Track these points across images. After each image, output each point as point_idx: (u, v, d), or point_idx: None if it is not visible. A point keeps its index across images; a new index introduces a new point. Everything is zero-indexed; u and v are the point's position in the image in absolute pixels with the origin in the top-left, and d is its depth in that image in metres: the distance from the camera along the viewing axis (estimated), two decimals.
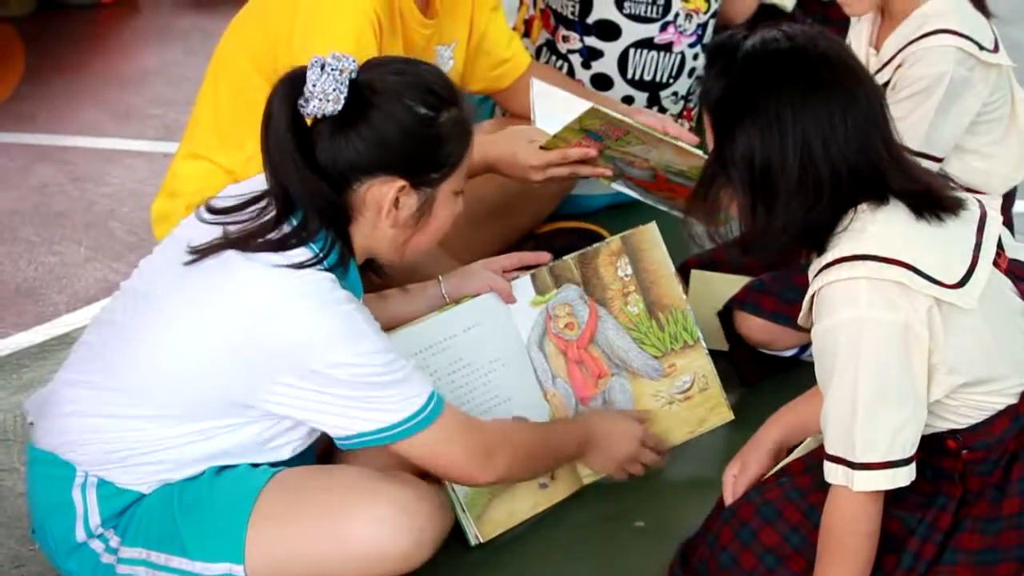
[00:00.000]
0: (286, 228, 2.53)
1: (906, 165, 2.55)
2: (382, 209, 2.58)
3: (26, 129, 4.84)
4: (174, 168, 3.43)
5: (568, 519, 3.02)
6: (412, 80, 2.58)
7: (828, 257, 2.48)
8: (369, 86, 2.53)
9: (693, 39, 4.07)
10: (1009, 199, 3.52)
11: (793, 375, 3.36)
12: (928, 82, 3.26)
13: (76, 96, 5.04)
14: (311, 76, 2.50)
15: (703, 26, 4.07)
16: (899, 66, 3.30)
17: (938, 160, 3.32)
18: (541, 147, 3.26)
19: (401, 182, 2.56)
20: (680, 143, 3.13)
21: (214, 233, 2.56)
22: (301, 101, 2.51)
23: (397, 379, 2.52)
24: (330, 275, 2.52)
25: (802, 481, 2.67)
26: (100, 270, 3.97)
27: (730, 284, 3.41)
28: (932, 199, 2.52)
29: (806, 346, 3.38)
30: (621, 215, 3.47)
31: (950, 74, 3.24)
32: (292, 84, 2.52)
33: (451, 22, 3.50)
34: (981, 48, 3.28)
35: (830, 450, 2.49)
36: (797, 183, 2.47)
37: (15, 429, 3.29)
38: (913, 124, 3.26)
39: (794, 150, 2.46)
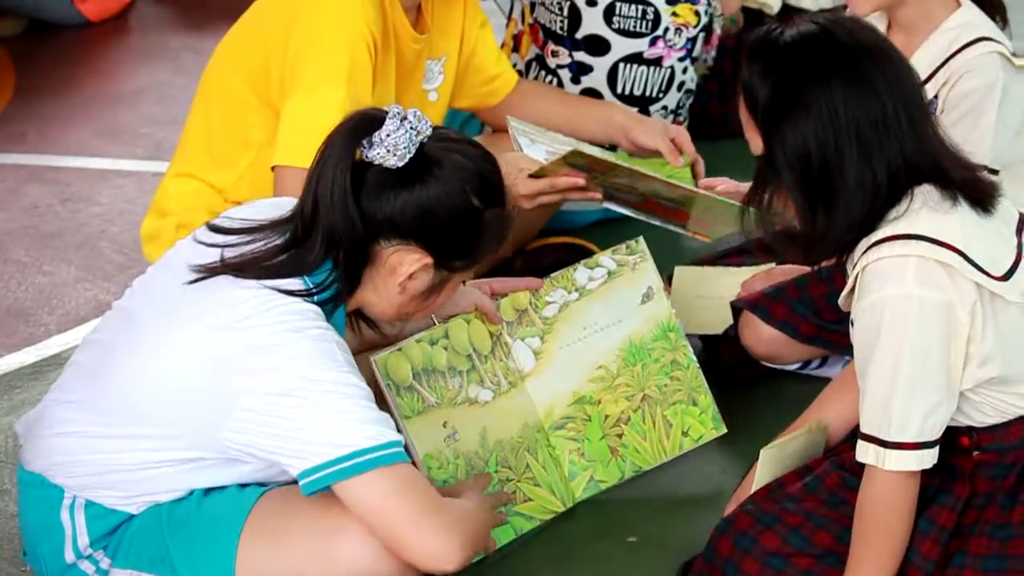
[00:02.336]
0: (284, 256, 2.52)
1: (954, 152, 2.55)
2: (397, 274, 2.58)
3: (16, 149, 4.84)
4: (164, 187, 3.43)
5: (560, 535, 3.01)
6: (474, 167, 2.58)
7: (879, 235, 2.48)
8: (434, 157, 2.54)
9: (683, 53, 4.07)
10: None
11: (784, 388, 3.36)
12: (982, 93, 3.22)
13: (66, 116, 5.04)
14: (388, 125, 2.50)
15: (692, 40, 4.07)
16: (944, 83, 3.26)
17: (995, 172, 3.26)
18: (530, 175, 3.27)
19: (428, 258, 2.57)
20: (666, 178, 3.12)
21: (210, 256, 2.56)
22: (366, 142, 2.51)
23: (362, 414, 2.47)
24: (315, 307, 2.52)
25: (794, 488, 2.68)
26: (91, 290, 3.97)
27: (714, 275, 3.41)
28: (982, 189, 2.53)
29: (808, 362, 3.37)
30: (611, 230, 3.47)
31: (1001, 81, 3.22)
32: (364, 121, 2.52)
33: (441, 37, 3.50)
34: (1013, 54, 3.26)
35: (864, 429, 2.51)
36: (856, 180, 2.47)
37: (6, 450, 3.29)
38: (979, 140, 3.21)
39: (850, 146, 2.46)
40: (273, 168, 3.12)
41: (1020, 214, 2.62)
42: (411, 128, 2.52)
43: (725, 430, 3.18)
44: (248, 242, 2.57)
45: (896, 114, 2.46)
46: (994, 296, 2.47)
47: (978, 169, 2.59)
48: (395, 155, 2.51)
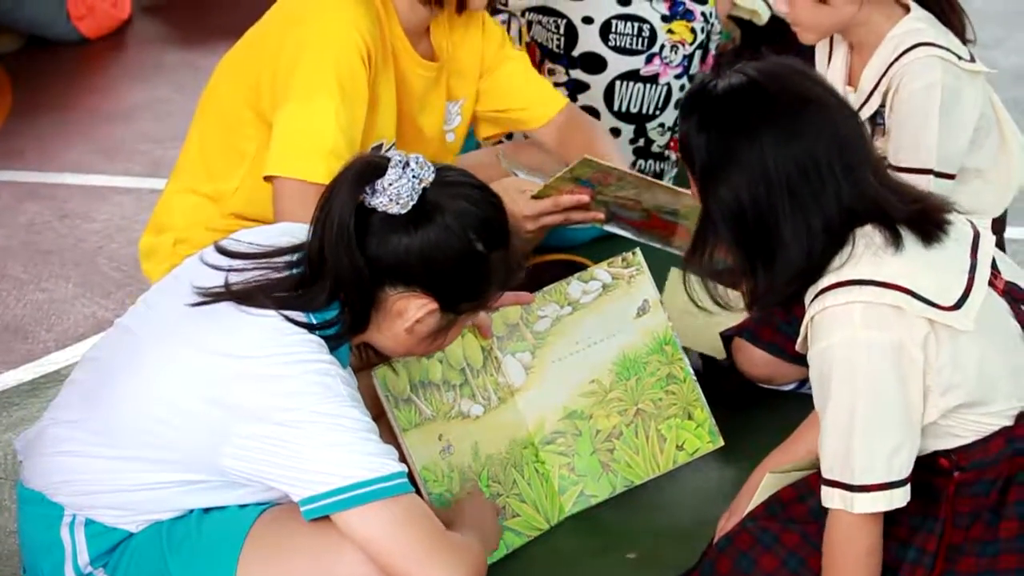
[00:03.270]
0: (292, 293, 2.52)
1: (897, 188, 2.55)
2: (404, 319, 2.58)
3: (14, 166, 4.84)
4: (162, 203, 3.44)
5: (559, 551, 3.01)
6: (477, 211, 2.57)
7: (824, 282, 2.48)
8: (437, 203, 2.53)
9: (679, 70, 4.08)
10: (1000, 223, 3.51)
11: (783, 403, 3.36)
12: (921, 96, 3.23)
13: (64, 133, 5.05)
14: (391, 174, 2.50)
15: (689, 57, 4.08)
16: (886, 91, 3.28)
17: (951, 177, 3.29)
18: (533, 196, 3.28)
19: (433, 304, 2.57)
20: (672, 185, 3.13)
21: (216, 279, 2.56)
22: (368, 190, 2.50)
23: (364, 446, 2.47)
24: (319, 339, 2.52)
25: (798, 511, 2.67)
26: (89, 307, 3.97)
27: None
28: (927, 220, 2.52)
29: (804, 381, 3.38)
30: (609, 247, 3.47)
31: (941, 83, 3.22)
32: (366, 169, 2.51)
33: (459, 80, 3.50)
34: (960, 58, 3.26)
35: (827, 475, 2.50)
36: (791, 233, 2.46)
37: (6, 467, 3.29)
38: (924, 144, 3.24)
39: (782, 199, 2.45)
40: (267, 178, 3.13)
41: (975, 232, 2.61)
42: (414, 176, 2.51)
43: (722, 443, 3.18)
44: (254, 268, 2.57)
45: (829, 163, 2.45)
46: (947, 327, 2.46)
47: (924, 200, 2.57)
48: (398, 203, 2.50)
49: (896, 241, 2.47)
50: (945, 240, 2.52)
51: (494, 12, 3.95)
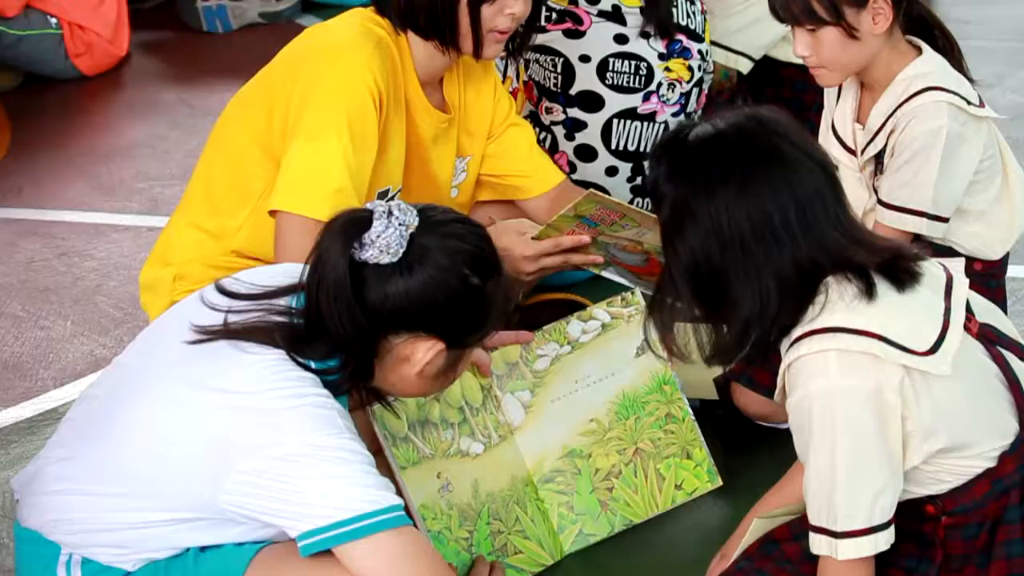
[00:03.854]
0: (289, 342, 2.52)
1: (866, 239, 2.54)
2: (413, 363, 2.59)
3: (12, 204, 4.84)
4: (166, 235, 3.45)
5: None
6: (467, 247, 2.57)
7: (798, 332, 2.49)
8: (427, 245, 2.53)
9: (676, 108, 4.08)
10: (1001, 266, 3.52)
11: (783, 441, 3.36)
12: (926, 139, 3.23)
13: (62, 170, 5.06)
14: (377, 226, 2.50)
15: (686, 95, 4.08)
16: (892, 131, 3.28)
17: (944, 220, 3.30)
18: (534, 237, 3.29)
19: (441, 344, 2.58)
20: None
21: (215, 318, 2.56)
22: (357, 245, 2.50)
23: (363, 479, 2.47)
24: (313, 376, 2.52)
25: (792, 550, 2.68)
26: (87, 345, 3.97)
27: None
28: (898, 267, 2.52)
29: None
30: (608, 285, 3.48)
31: (946, 128, 3.22)
32: (351, 225, 2.52)
33: (468, 137, 3.53)
34: (969, 103, 3.27)
35: (813, 521, 2.51)
36: (743, 290, 2.46)
37: (4, 506, 3.29)
38: (920, 186, 3.24)
39: (735, 257, 2.45)
40: (272, 212, 3.13)
41: (948, 276, 2.62)
42: (399, 224, 2.51)
43: (720, 483, 3.19)
44: (254, 308, 2.57)
45: (785, 220, 2.44)
46: (924, 373, 2.46)
47: (894, 250, 2.56)
48: (388, 253, 2.51)
49: (869, 289, 2.47)
50: (917, 287, 2.53)
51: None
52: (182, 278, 3.30)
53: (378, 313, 2.53)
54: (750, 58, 4.48)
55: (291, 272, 2.67)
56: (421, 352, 2.58)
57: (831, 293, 2.47)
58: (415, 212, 2.55)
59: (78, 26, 5.73)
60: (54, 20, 5.69)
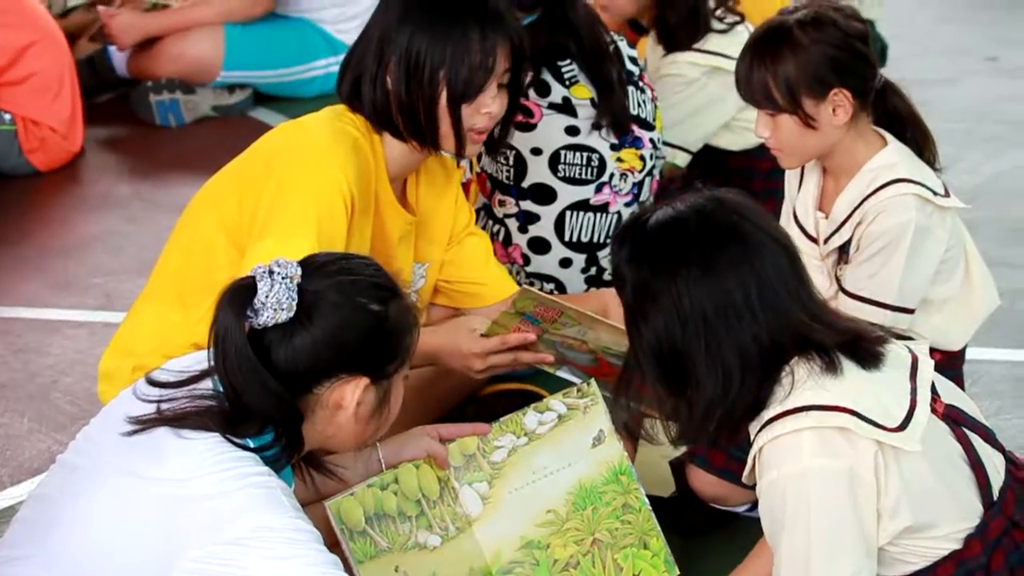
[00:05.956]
0: (221, 424, 2.52)
1: (829, 319, 2.57)
2: (344, 408, 2.60)
3: None
4: (128, 323, 3.45)
5: None
6: (358, 279, 2.60)
7: (769, 413, 2.50)
8: (318, 290, 2.55)
9: (629, 198, 4.10)
10: (960, 357, 3.54)
11: (738, 529, 3.37)
12: (894, 233, 3.26)
13: (17, 267, 5.05)
14: (262, 287, 2.51)
15: (639, 184, 4.10)
16: (859, 223, 3.31)
17: (910, 311, 3.33)
18: (481, 335, 3.31)
19: (364, 380, 2.59)
20: (612, 322, 3.16)
21: (148, 409, 2.56)
22: (250, 312, 2.52)
23: (314, 557, 2.46)
24: (253, 455, 2.52)
25: None
26: (44, 441, 3.96)
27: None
28: (862, 347, 2.55)
29: (757, 503, 3.39)
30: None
31: (913, 222, 3.25)
32: (238, 295, 2.53)
33: (428, 244, 3.56)
34: (935, 193, 3.30)
35: None
36: (706, 370, 2.48)
37: None
38: (885, 279, 3.28)
39: (697, 338, 2.48)
40: None
41: (914, 357, 2.64)
42: (283, 278, 2.53)
43: (677, 572, 3.19)
44: (184, 396, 2.57)
45: (747, 299, 2.48)
46: (894, 449, 2.48)
47: (857, 331, 2.59)
48: (283, 309, 2.52)
49: (834, 367, 2.50)
50: (882, 366, 2.55)
51: None
52: (141, 369, 3.27)
53: (294, 372, 2.54)
54: (687, 151, 4.54)
55: None
56: (350, 394, 2.59)
57: (798, 372, 2.50)
58: (295, 264, 2.56)
59: (32, 121, 5.73)
60: (8, 116, 5.69)
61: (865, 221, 3.30)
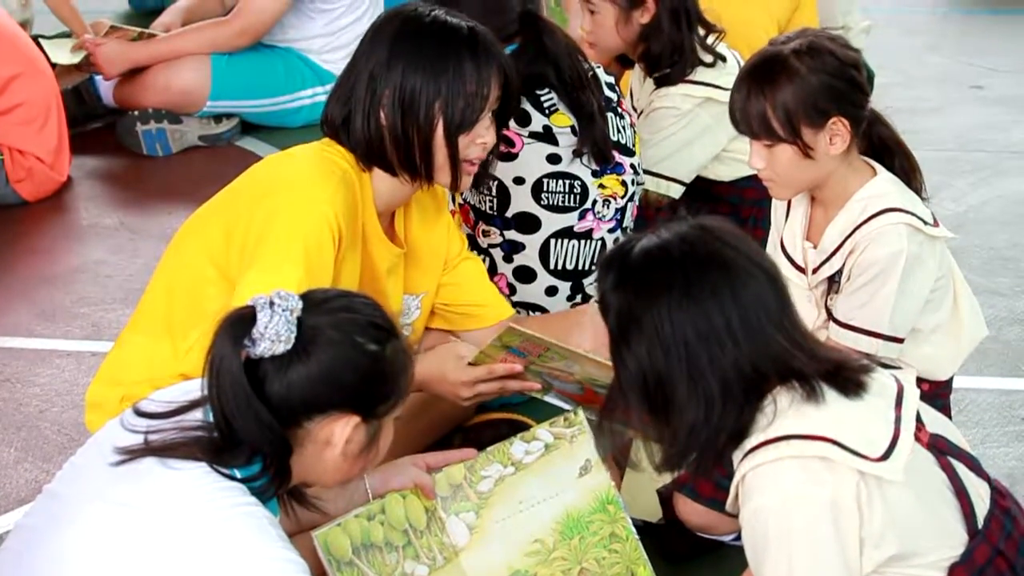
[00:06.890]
0: (209, 455, 2.52)
1: (811, 347, 2.58)
2: (333, 444, 2.60)
3: None
4: (117, 352, 3.45)
5: None
6: (358, 317, 2.60)
7: (751, 442, 2.51)
8: (317, 325, 2.55)
9: (612, 224, 4.11)
10: (947, 386, 3.55)
11: (724, 555, 3.38)
12: (885, 263, 3.27)
13: (3, 296, 5.04)
14: (262, 318, 2.52)
15: (621, 210, 4.11)
16: (850, 253, 3.31)
17: (900, 341, 3.34)
18: (469, 363, 3.31)
19: (355, 418, 2.59)
20: (599, 358, 3.17)
21: (135, 440, 2.56)
22: (248, 341, 2.52)
23: None
24: (240, 485, 2.52)
25: None
26: (31, 471, 3.96)
27: None
28: (845, 375, 2.56)
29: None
30: (551, 406, 3.51)
31: (905, 251, 3.26)
32: (237, 324, 2.53)
33: (422, 274, 3.57)
34: (925, 223, 3.31)
35: None
36: (688, 397, 2.49)
37: None
38: (877, 308, 3.28)
39: (679, 364, 2.49)
40: None
41: (899, 386, 2.65)
42: (284, 310, 2.53)
43: None
44: (172, 427, 2.56)
45: (728, 327, 2.49)
46: (877, 479, 2.48)
47: (839, 360, 2.60)
48: (281, 341, 2.52)
49: (816, 395, 2.51)
50: (865, 395, 2.56)
51: None
52: (129, 399, 3.27)
53: (286, 404, 2.54)
54: (680, 183, 4.55)
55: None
56: (339, 431, 2.59)
57: (780, 401, 2.50)
58: (296, 296, 2.57)
59: (18, 151, 5.73)
60: None
61: (856, 250, 3.30)
